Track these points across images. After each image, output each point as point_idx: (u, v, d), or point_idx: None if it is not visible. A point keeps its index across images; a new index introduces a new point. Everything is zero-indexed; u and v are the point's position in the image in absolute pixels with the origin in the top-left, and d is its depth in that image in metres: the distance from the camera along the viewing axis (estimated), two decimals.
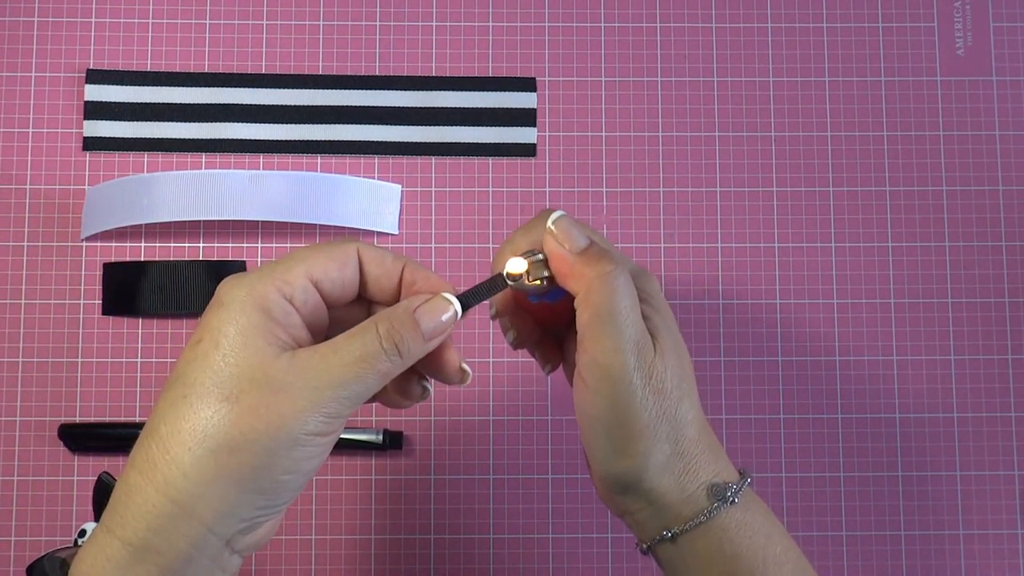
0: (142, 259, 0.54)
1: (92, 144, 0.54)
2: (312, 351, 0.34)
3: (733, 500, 0.37)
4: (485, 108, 0.55)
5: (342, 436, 0.51)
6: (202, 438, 0.32)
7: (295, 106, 0.55)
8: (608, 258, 0.37)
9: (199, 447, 0.32)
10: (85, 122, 0.54)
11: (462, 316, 0.36)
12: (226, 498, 0.32)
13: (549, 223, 0.37)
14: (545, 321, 0.41)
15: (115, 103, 0.54)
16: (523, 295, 0.39)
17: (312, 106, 0.55)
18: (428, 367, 0.37)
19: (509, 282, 0.37)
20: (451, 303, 0.35)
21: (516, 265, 0.37)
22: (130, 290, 0.53)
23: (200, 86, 0.55)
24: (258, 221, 0.54)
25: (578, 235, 0.37)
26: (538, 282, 0.37)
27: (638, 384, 0.36)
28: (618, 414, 0.36)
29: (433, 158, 0.55)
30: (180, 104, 0.55)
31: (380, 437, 0.52)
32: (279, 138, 0.55)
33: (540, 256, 0.37)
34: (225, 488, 0.32)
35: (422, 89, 0.55)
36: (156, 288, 0.53)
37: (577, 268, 0.36)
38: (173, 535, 0.32)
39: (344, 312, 0.37)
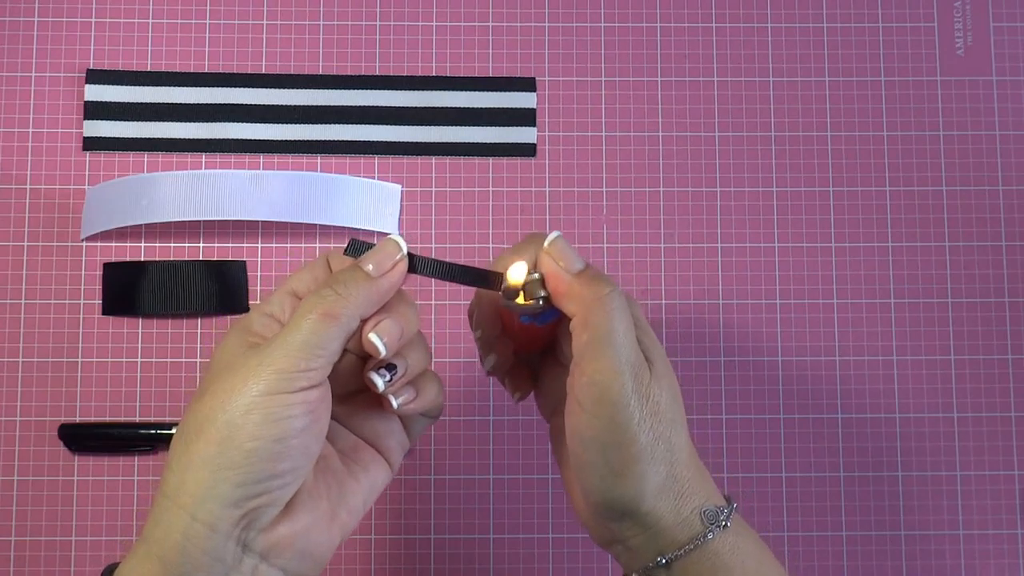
0: (142, 259, 0.54)
1: (92, 144, 0.54)
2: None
3: (726, 524, 0.37)
4: (485, 108, 0.55)
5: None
6: (181, 434, 0.34)
7: (295, 106, 0.55)
8: (605, 280, 0.37)
9: (178, 441, 0.34)
10: (85, 122, 0.54)
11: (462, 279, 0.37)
12: (200, 479, 0.33)
13: (546, 243, 0.37)
14: (523, 347, 0.41)
15: (115, 103, 0.54)
16: (511, 315, 0.39)
17: (312, 106, 0.55)
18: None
19: (503, 299, 0.37)
20: (394, 241, 0.36)
21: (517, 272, 0.37)
22: (130, 290, 0.53)
23: (200, 86, 0.55)
24: (258, 221, 0.54)
25: (575, 256, 0.37)
26: (533, 301, 0.37)
27: (636, 406, 0.36)
28: (616, 436, 0.36)
29: (433, 158, 0.55)
30: (180, 104, 0.55)
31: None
32: (279, 138, 0.55)
33: (536, 275, 0.37)
34: (198, 470, 0.33)
35: (422, 89, 0.55)
36: (156, 288, 0.53)
37: (575, 288, 0.37)
38: (167, 527, 0.33)
39: None
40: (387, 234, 0.54)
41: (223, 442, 0.33)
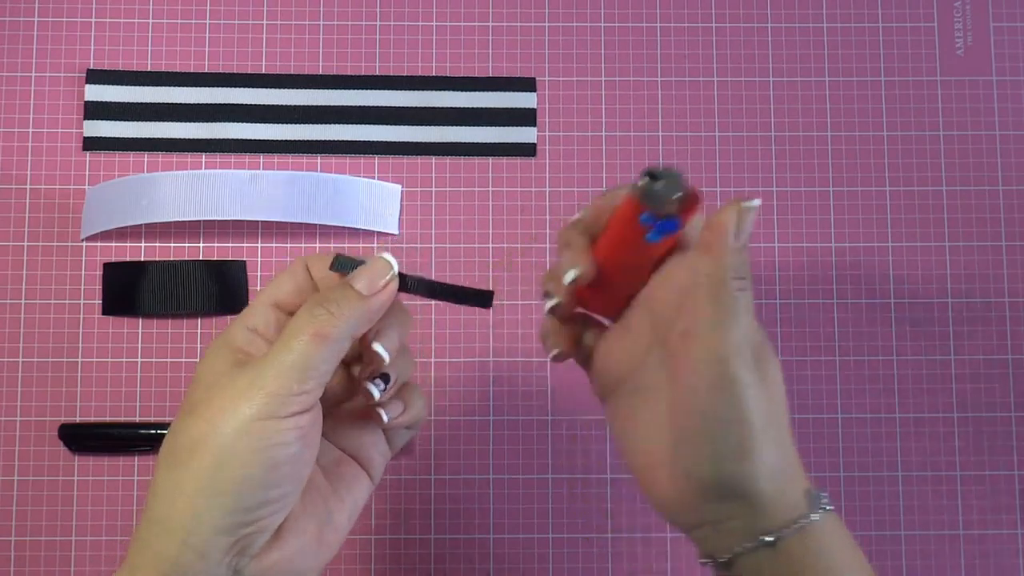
0: (142, 259, 0.54)
1: (92, 144, 0.54)
2: (265, 352, 0.34)
3: (830, 507, 0.36)
4: (485, 108, 0.55)
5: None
6: (167, 453, 0.33)
7: (295, 106, 0.55)
8: (745, 261, 0.35)
9: (164, 462, 0.33)
10: (85, 122, 0.54)
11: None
12: (191, 506, 0.32)
13: (746, 204, 0.36)
14: (613, 274, 0.38)
15: (115, 103, 0.54)
16: (622, 226, 0.36)
17: (312, 106, 0.55)
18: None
19: (644, 188, 0.34)
20: (385, 260, 0.36)
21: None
22: (130, 290, 0.53)
23: (200, 86, 0.55)
24: (258, 221, 0.54)
25: (747, 231, 0.36)
26: (672, 198, 0.34)
27: (758, 384, 0.34)
28: (737, 413, 0.34)
29: (433, 158, 0.55)
30: (180, 104, 0.55)
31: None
32: (279, 138, 0.55)
33: (680, 194, 0.35)
34: (189, 496, 0.32)
35: (422, 89, 0.55)
36: (156, 288, 0.53)
37: (723, 237, 0.35)
38: (156, 553, 0.33)
39: None
40: (388, 235, 0.54)
41: (215, 468, 0.32)
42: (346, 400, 0.39)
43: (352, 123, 0.55)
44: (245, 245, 0.54)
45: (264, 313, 0.36)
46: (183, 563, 0.32)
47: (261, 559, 0.34)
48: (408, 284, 0.36)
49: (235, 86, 0.55)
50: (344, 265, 0.36)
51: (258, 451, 0.33)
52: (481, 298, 0.37)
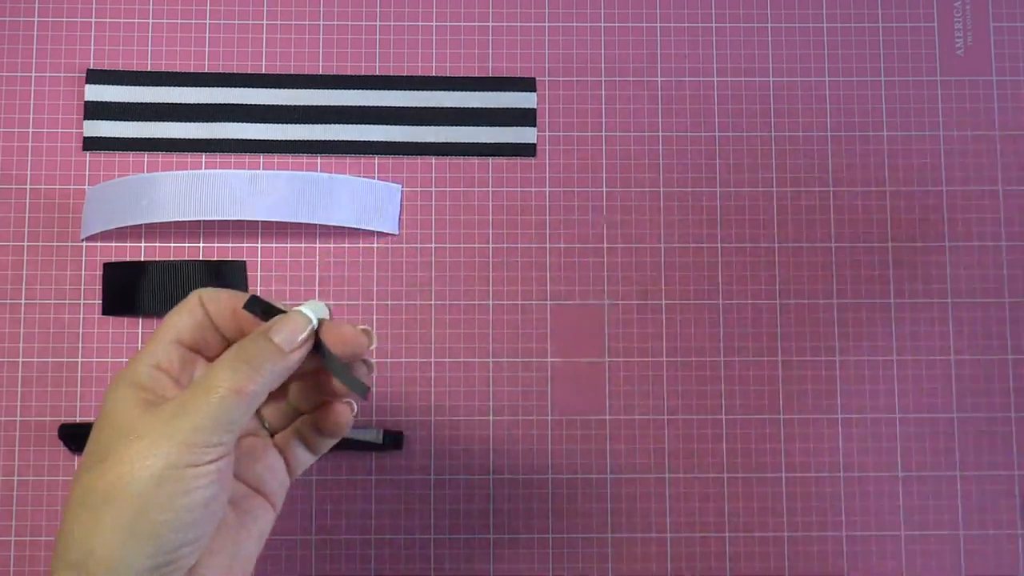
0: (142, 259, 0.54)
1: (92, 144, 0.54)
2: (176, 396, 0.35)
3: None
4: (485, 108, 0.55)
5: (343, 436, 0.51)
6: (81, 499, 0.33)
7: (295, 106, 0.55)
8: None
9: (79, 507, 0.33)
10: (85, 122, 0.54)
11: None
12: (111, 550, 0.33)
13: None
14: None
15: (115, 103, 0.54)
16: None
17: (312, 106, 0.55)
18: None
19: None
20: (305, 315, 0.36)
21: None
22: (130, 290, 0.53)
23: (200, 86, 0.55)
24: (258, 221, 0.54)
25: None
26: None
27: None
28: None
29: (433, 158, 0.55)
30: (180, 104, 0.55)
31: (380, 437, 0.52)
32: (279, 138, 0.55)
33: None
34: (108, 541, 0.33)
35: (422, 89, 0.55)
36: (156, 288, 0.53)
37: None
38: None
39: None
40: (388, 235, 0.54)
41: (135, 514, 0.33)
42: (248, 434, 0.40)
43: (352, 123, 0.55)
44: (245, 245, 0.54)
45: (166, 350, 0.37)
46: None
47: None
48: (322, 349, 0.37)
49: (235, 86, 0.55)
50: (258, 308, 0.37)
51: (176, 497, 0.33)
52: (360, 389, 0.38)
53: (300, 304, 0.37)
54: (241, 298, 0.38)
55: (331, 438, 0.40)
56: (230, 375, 0.35)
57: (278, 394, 0.40)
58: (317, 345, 0.37)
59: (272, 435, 0.41)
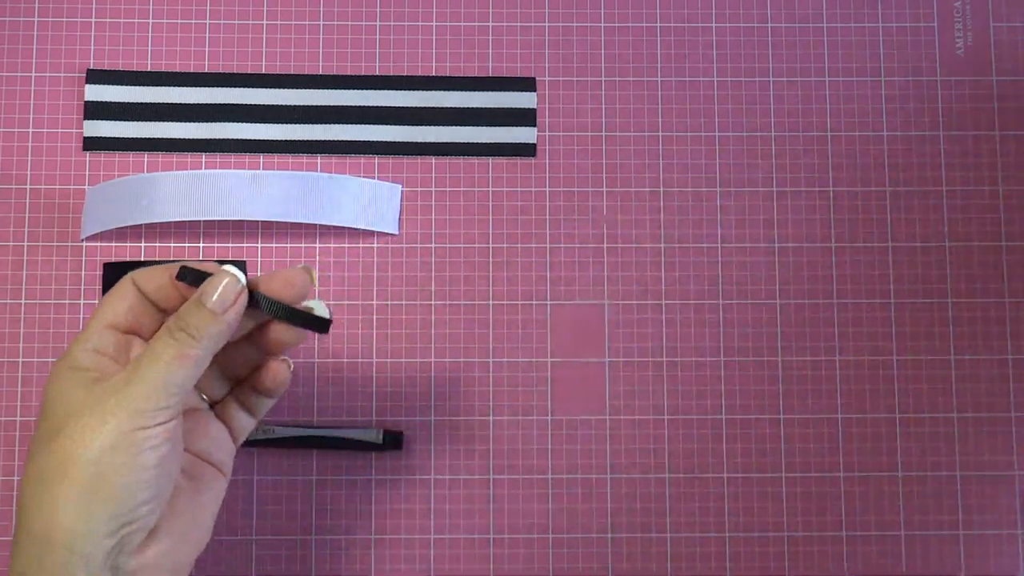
0: (142, 259, 0.54)
1: (92, 144, 0.54)
2: (120, 372, 0.37)
3: None
4: (485, 108, 0.55)
5: (342, 436, 0.51)
6: (38, 478, 0.35)
7: (295, 106, 0.55)
8: None
9: (37, 485, 0.35)
10: (85, 122, 0.54)
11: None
12: (74, 517, 0.34)
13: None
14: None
15: (115, 103, 0.54)
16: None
17: (312, 106, 0.55)
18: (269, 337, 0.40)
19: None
20: (231, 272, 0.38)
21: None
22: None
23: (200, 86, 0.55)
24: (258, 221, 0.54)
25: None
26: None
27: None
28: None
29: (433, 158, 0.55)
30: (180, 104, 0.55)
31: (380, 437, 0.52)
32: (279, 138, 0.55)
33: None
34: (70, 509, 0.34)
35: (422, 89, 0.55)
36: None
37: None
38: (46, 566, 0.34)
39: None
40: (388, 235, 0.54)
41: (92, 480, 0.34)
42: (192, 409, 0.42)
43: (352, 123, 0.55)
44: (245, 245, 0.54)
45: (102, 335, 0.38)
46: (71, 568, 0.34)
47: (139, 556, 0.36)
48: (258, 300, 0.39)
49: (235, 86, 0.55)
50: (189, 276, 0.38)
51: (132, 459, 0.35)
52: (319, 324, 0.39)
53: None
54: (175, 269, 0.39)
55: (270, 398, 0.42)
56: (172, 343, 0.36)
57: (215, 364, 0.41)
58: (254, 303, 0.38)
59: (212, 407, 0.42)
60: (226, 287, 0.38)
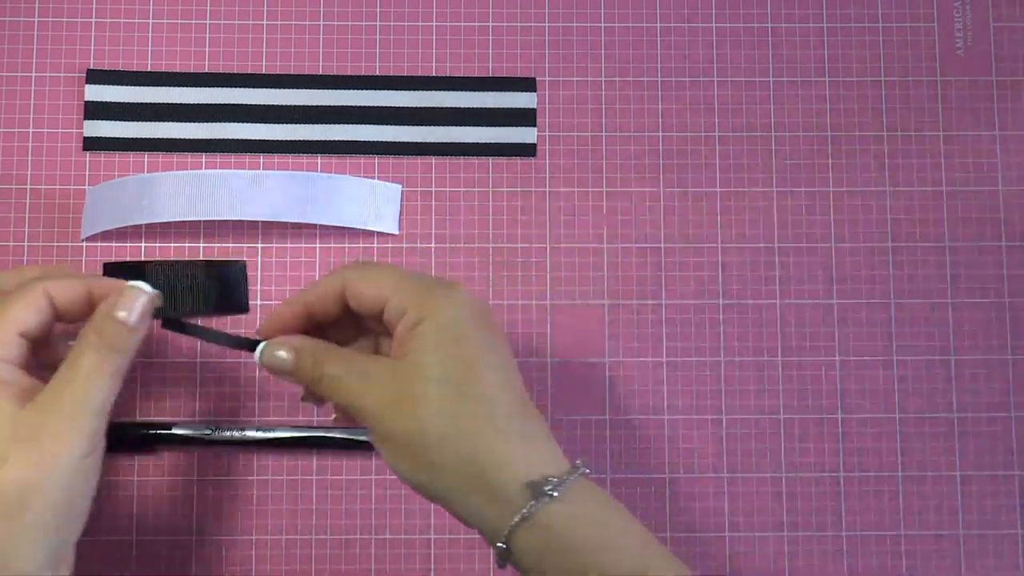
0: (142, 259, 0.54)
1: (92, 144, 0.54)
2: (46, 391, 0.37)
3: (551, 494, 0.36)
4: (485, 108, 0.55)
5: (342, 436, 0.51)
6: None
7: (295, 106, 0.55)
8: None
9: None
10: (85, 122, 0.54)
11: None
12: (32, 551, 0.35)
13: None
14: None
15: (115, 103, 0.54)
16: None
17: (312, 106, 0.55)
18: None
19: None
20: (141, 288, 0.39)
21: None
22: None
23: (200, 86, 0.55)
24: (258, 221, 0.54)
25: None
26: None
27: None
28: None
29: (433, 158, 0.55)
30: (180, 104, 0.55)
31: None
32: (279, 138, 0.55)
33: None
34: (30, 540, 0.35)
35: (422, 89, 0.55)
36: (156, 288, 0.53)
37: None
38: None
39: None
40: (388, 235, 0.54)
41: (59, 507, 0.35)
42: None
43: (352, 123, 0.55)
44: (245, 245, 0.54)
45: (11, 343, 0.38)
46: None
47: (62, 566, 0.37)
48: (181, 325, 0.41)
49: (235, 86, 0.55)
50: (118, 272, 0.40)
51: (90, 482, 0.37)
52: (249, 344, 0.42)
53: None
54: (83, 283, 0.40)
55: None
56: (98, 360, 0.37)
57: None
58: (178, 327, 0.41)
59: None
60: (137, 299, 0.39)
